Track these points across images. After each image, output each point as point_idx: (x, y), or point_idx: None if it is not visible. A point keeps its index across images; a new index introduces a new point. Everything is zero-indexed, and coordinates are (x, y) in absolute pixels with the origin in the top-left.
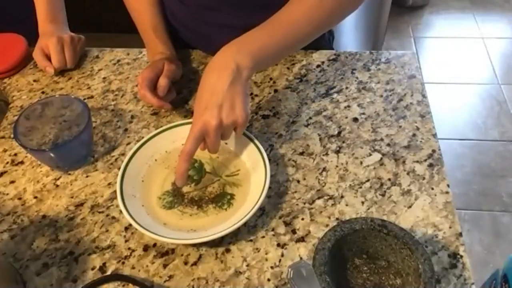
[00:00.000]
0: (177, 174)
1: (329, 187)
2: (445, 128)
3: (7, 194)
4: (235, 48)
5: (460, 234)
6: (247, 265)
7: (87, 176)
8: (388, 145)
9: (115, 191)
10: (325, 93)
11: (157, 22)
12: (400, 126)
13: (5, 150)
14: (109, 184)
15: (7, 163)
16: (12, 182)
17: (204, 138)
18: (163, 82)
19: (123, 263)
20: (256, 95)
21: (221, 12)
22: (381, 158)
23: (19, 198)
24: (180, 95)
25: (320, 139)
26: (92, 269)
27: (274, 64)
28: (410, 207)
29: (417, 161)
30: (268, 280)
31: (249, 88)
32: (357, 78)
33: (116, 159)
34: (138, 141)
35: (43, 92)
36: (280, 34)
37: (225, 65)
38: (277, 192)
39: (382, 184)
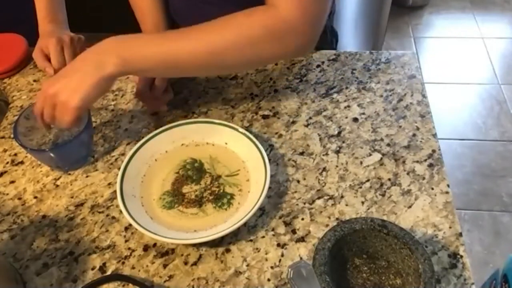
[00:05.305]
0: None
1: (329, 187)
2: (445, 128)
3: (7, 194)
4: (114, 44)
5: (460, 234)
6: (247, 265)
7: (87, 176)
8: (388, 145)
9: (115, 191)
10: (325, 93)
11: (160, 22)
12: (400, 126)
13: (5, 150)
14: (109, 184)
15: (7, 163)
16: (12, 182)
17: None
18: (159, 82)
19: (123, 263)
20: (256, 95)
21: (223, 7)
22: (381, 158)
23: (19, 198)
24: (180, 95)
25: (320, 139)
26: (92, 269)
27: (157, 74)
28: (410, 207)
29: (417, 161)
30: (268, 280)
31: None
32: (357, 78)
33: (116, 159)
34: (138, 141)
35: None
36: (162, 47)
37: (95, 53)
38: (277, 192)
39: (382, 184)
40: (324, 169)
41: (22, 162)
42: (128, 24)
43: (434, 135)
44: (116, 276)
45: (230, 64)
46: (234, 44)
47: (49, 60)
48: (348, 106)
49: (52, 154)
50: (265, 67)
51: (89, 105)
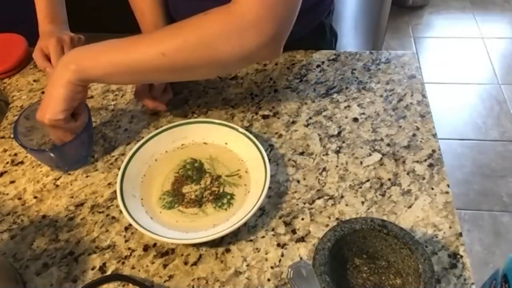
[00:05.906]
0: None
1: (329, 187)
2: (445, 128)
3: (7, 194)
4: (76, 53)
5: (460, 234)
6: (247, 265)
7: (87, 176)
8: (388, 145)
9: (115, 191)
10: (325, 93)
11: (159, 21)
12: (400, 126)
13: (5, 150)
14: (109, 184)
15: (7, 163)
16: (12, 182)
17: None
18: (157, 82)
19: (123, 263)
20: (256, 95)
21: (222, 5)
22: (381, 158)
23: (19, 198)
24: (180, 95)
25: (320, 139)
26: (92, 269)
27: (116, 80)
28: (410, 207)
29: (417, 161)
30: (268, 280)
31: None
32: (357, 78)
33: (116, 159)
34: (138, 141)
35: (43, 92)
36: (116, 53)
37: (59, 65)
38: (277, 192)
39: (382, 184)
40: (324, 169)
41: (22, 162)
42: (128, 24)
43: (434, 135)
44: (116, 276)
45: (183, 66)
46: (184, 44)
47: (49, 60)
48: (348, 106)
49: (52, 154)
50: (265, 67)
51: (61, 115)
